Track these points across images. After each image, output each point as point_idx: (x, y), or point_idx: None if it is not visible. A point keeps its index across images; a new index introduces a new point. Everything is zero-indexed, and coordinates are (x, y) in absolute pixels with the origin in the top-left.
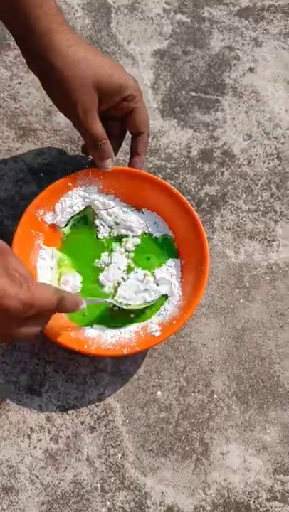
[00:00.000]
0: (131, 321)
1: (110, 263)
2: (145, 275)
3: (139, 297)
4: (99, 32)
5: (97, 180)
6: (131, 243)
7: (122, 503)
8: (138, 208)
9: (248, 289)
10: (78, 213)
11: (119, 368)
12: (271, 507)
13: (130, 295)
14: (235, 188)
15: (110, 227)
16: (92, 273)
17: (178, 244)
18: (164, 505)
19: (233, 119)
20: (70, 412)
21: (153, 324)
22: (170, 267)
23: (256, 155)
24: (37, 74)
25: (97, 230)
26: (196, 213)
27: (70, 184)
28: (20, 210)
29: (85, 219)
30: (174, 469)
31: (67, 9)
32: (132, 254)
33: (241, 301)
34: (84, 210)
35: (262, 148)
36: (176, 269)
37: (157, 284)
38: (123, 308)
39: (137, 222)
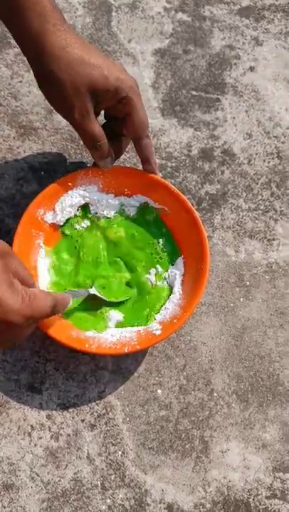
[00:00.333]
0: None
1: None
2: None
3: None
4: (99, 31)
5: (97, 180)
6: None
7: (122, 501)
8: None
9: (248, 288)
10: (75, 213)
11: (120, 366)
12: (270, 504)
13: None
14: (236, 187)
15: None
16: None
17: (178, 242)
18: (164, 503)
19: (234, 118)
20: (70, 409)
21: (153, 323)
22: (177, 264)
23: (256, 154)
24: (34, 75)
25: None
26: (196, 212)
27: (70, 183)
28: (21, 209)
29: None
30: (174, 467)
31: (68, 8)
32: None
33: (241, 299)
34: (83, 208)
35: (262, 147)
36: (181, 267)
37: (165, 278)
38: (104, 300)
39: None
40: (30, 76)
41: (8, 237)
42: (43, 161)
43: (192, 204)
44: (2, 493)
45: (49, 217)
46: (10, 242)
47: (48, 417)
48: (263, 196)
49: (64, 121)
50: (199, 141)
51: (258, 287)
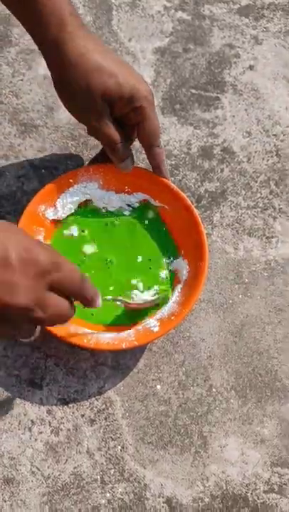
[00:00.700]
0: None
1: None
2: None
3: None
4: (100, 29)
5: (98, 177)
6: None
7: (122, 495)
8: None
9: (246, 285)
10: (75, 211)
11: (119, 361)
12: (268, 499)
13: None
14: (235, 184)
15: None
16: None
17: (177, 240)
18: (162, 497)
19: (233, 116)
20: (70, 405)
21: (152, 319)
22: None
23: (255, 152)
24: (52, 80)
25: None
26: (195, 209)
27: (71, 180)
28: (22, 206)
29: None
30: (173, 462)
31: None
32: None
33: (240, 296)
34: (84, 206)
35: (261, 145)
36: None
37: (170, 271)
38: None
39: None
40: (31, 74)
41: None
42: (44, 159)
43: (191, 202)
44: (3, 487)
45: (50, 214)
46: None
47: (49, 412)
48: (261, 194)
49: (65, 120)
50: (199, 139)
51: (256, 284)
